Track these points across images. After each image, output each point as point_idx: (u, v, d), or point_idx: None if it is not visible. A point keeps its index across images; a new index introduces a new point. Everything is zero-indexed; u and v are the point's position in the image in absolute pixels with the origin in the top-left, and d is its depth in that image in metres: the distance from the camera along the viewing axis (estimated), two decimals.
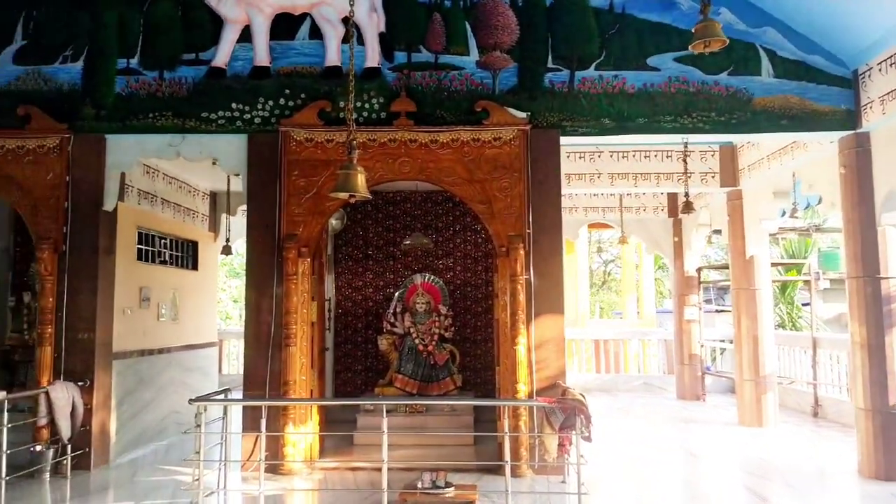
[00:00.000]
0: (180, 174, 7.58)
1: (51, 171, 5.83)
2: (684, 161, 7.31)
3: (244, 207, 9.10)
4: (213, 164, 6.20)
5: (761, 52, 5.82)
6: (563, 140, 5.81)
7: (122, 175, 6.14)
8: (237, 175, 6.42)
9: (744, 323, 8.24)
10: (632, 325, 14.58)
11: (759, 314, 8.19)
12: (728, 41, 3.95)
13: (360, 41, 5.89)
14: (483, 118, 5.78)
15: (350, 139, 4.22)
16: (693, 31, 3.97)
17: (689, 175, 7.37)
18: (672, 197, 10.62)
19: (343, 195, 4.16)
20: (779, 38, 5.80)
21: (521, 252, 5.51)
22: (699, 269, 10.66)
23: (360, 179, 4.08)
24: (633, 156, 8.13)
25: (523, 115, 5.77)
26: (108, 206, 5.88)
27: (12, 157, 5.84)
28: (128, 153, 5.91)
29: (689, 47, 4.02)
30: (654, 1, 5.91)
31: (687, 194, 7.46)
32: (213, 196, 8.64)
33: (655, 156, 8.18)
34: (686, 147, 7.25)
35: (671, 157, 8.18)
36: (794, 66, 5.77)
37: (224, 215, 8.49)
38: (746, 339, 8.22)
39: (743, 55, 5.82)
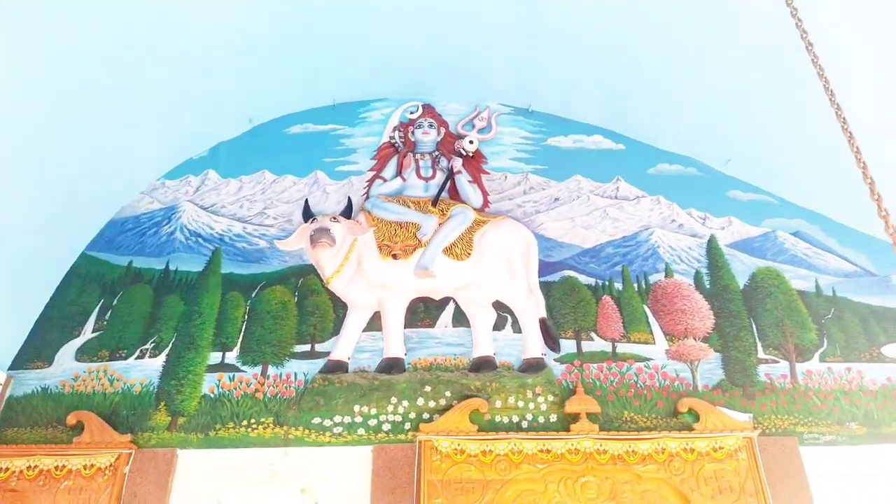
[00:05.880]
0: None
1: None
2: None
3: None
4: (302, 493, 4.53)
5: None
6: (805, 452, 4.26)
7: None
8: None
9: None
10: None
11: None
12: None
13: (517, 328, 4.76)
14: (691, 422, 4.33)
15: None
16: None
17: None
18: None
19: None
20: None
21: None
22: None
23: None
24: None
25: (745, 417, 4.34)
26: None
27: (45, 482, 4.21)
28: (204, 475, 4.28)
29: None
30: (866, 283, 4.96)
31: None
32: None
33: None
34: None
35: None
36: None
37: None
38: None
39: None
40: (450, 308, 4.85)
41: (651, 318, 4.81)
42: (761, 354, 4.65)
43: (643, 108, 5.49)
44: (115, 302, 5.01)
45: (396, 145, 5.57)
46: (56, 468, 4.24)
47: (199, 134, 5.65)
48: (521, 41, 5.28)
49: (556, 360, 4.64)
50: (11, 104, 4.28)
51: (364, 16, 5.10)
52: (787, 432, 4.33)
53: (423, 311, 4.84)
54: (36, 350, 4.83)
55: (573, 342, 4.72)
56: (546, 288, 4.92)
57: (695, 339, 4.70)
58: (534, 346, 4.67)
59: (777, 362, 4.63)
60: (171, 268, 5.12)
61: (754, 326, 4.77)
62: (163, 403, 4.52)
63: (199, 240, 5.25)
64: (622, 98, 5.49)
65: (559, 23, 5.01)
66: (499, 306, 4.84)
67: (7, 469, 4.26)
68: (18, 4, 3.92)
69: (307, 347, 4.71)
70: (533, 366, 4.59)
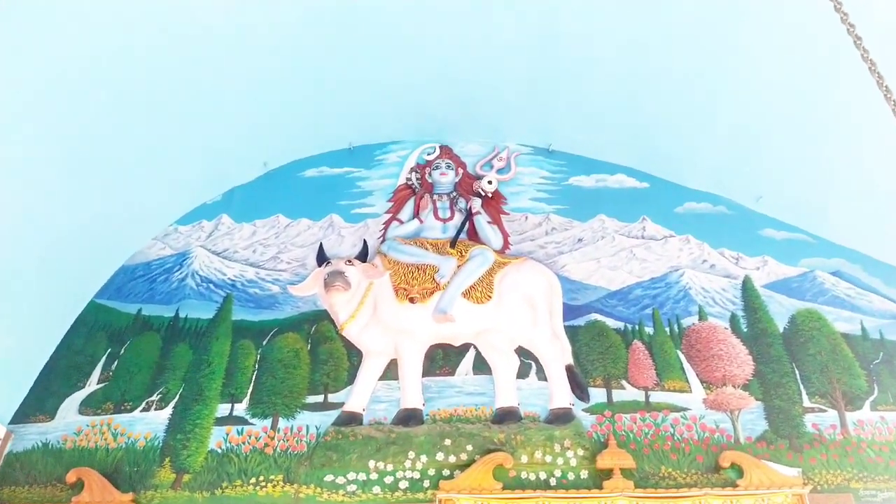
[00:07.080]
0: None
1: None
2: None
3: None
4: None
5: None
6: None
7: None
8: None
9: None
10: None
11: None
12: None
13: (542, 376, 4.48)
14: (734, 478, 3.98)
15: None
16: None
17: None
18: None
19: None
20: None
21: None
22: None
23: None
24: None
25: (794, 471, 3.99)
26: None
27: None
28: None
29: None
30: None
31: None
32: None
33: None
34: None
35: None
36: None
37: None
38: None
39: None
40: (470, 355, 4.59)
41: (686, 365, 4.51)
42: (807, 403, 4.32)
43: (667, 146, 5.30)
44: (122, 351, 4.82)
45: (413, 187, 5.41)
46: None
47: (213, 179, 5.55)
48: (539, 81, 5.15)
49: (584, 410, 4.34)
50: (23, 149, 4.19)
51: (379, 59, 5.01)
52: (841, 488, 3.97)
53: (441, 359, 4.59)
54: (39, 402, 4.64)
55: (603, 391, 4.42)
56: (572, 333, 4.65)
57: (734, 387, 4.38)
58: (560, 395, 4.38)
59: (824, 411, 4.29)
60: (181, 315, 4.93)
61: (797, 372, 4.45)
62: (167, 459, 4.27)
63: (211, 286, 5.07)
64: (645, 136, 5.31)
65: (577, 61, 4.88)
66: (522, 352, 4.57)
67: None
68: (33, 53, 3.86)
69: (320, 398, 4.46)
70: (560, 417, 4.29)
